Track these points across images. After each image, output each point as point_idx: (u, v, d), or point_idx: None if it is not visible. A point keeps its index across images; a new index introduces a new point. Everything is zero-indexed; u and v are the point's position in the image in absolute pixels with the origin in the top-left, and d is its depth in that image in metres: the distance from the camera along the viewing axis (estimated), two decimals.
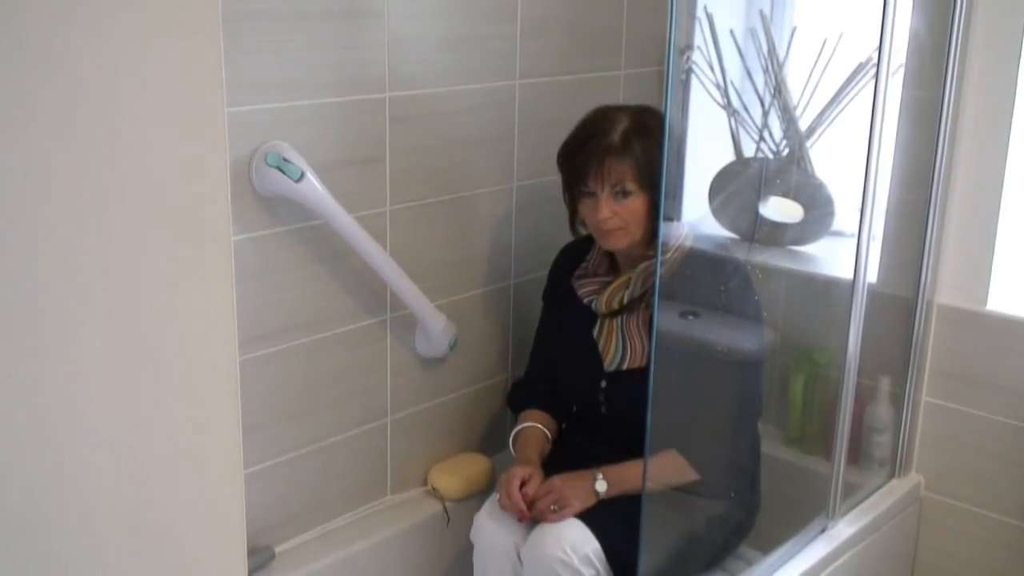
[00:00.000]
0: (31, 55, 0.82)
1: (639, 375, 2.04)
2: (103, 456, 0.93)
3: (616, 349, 2.12)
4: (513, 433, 2.21)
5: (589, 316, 2.16)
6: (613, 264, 2.17)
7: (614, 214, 2.03)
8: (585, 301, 2.15)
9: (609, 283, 2.13)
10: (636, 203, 2.02)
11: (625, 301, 2.11)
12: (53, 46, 0.83)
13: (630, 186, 2.02)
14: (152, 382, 0.95)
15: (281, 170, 1.85)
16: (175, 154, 0.93)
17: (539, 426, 2.19)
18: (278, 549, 2.07)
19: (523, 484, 2.03)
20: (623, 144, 2.02)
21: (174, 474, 0.99)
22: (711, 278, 2.16)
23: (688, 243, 2.13)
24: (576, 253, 2.23)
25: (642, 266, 2.09)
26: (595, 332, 2.15)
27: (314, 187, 1.89)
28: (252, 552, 1.99)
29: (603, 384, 2.14)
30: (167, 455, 0.98)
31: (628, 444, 1.96)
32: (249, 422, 1.93)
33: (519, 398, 2.29)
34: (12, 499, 0.88)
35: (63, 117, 0.84)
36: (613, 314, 2.13)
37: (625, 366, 2.11)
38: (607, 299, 2.12)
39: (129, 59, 0.88)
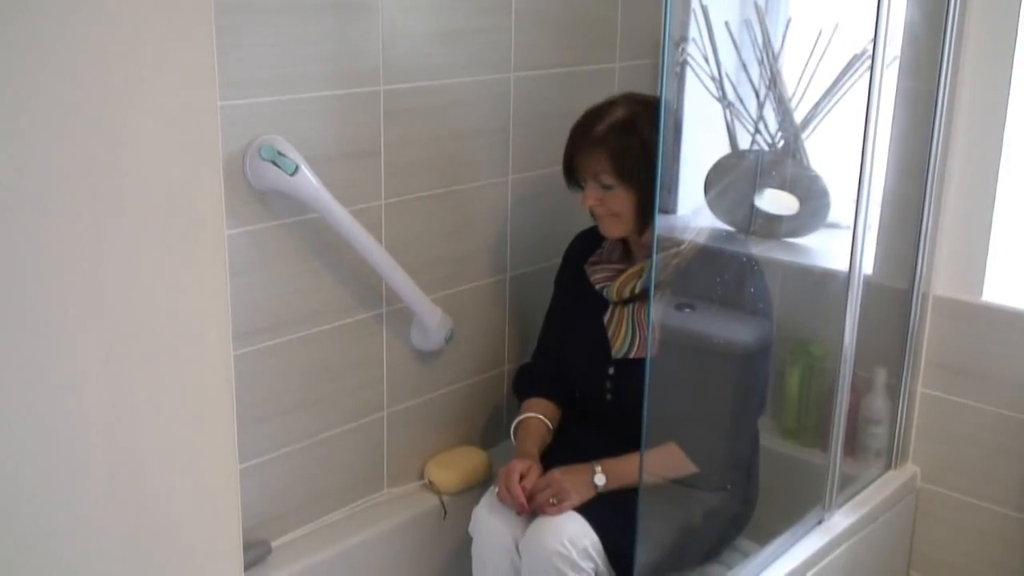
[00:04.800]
0: (22, 49, 0.81)
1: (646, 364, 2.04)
2: (98, 450, 0.92)
3: (625, 337, 2.12)
4: (515, 423, 2.21)
5: (600, 302, 2.16)
6: (627, 252, 2.18)
7: (600, 202, 2.05)
8: (597, 288, 2.16)
9: (623, 271, 2.14)
10: (619, 196, 2.04)
11: (637, 291, 2.11)
12: (44, 40, 0.82)
13: (607, 179, 2.03)
14: (146, 377, 0.95)
15: (276, 164, 1.84)
16: (168, 148, 0.92)
17: (541, 417, 2.19)
18: (275, 543, 2.07)
19: (522, 477, 2.03)
20: (602, 138, 2.04)
21: (169, 469, 0.98)
22: (724, 272, 2.16)
23: (702, 238, 2.13)
24: (591, 239, 2.23)
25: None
26: (605, 319, 2.15)
27: (309, 181, 1.89)
28: (248, 546, 1.98)
29: (610, 371, 2.14)
30: (162, 450, 0.97)
31: (631, 433, 1.96)
32: (244, 416, 1.93)
33: (524, 384, 2.29)
34: (6, 493, 0.87)
35: (55, 111, 0.84)
36: (624, 302, 2.13)
37: (633, 354, 2.11)
38: (619, 287, 2.12)
39: (122, 53, 0.87)
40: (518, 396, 2.30)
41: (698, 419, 2.14)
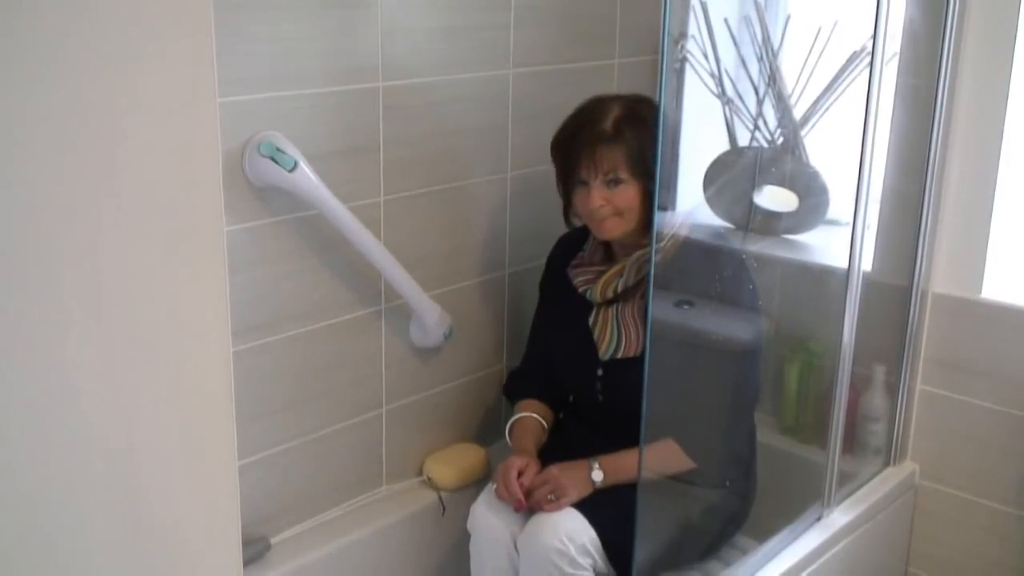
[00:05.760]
0: (22, 46, 0.81)
1: (634, 363, 2.04)
2: (97, 447, 0.92)
3: (611, 338, 2.11)
4: (509, 423, 2.22)
5: (585, 305, 2.16)
6: (608, 253, 2.17)
7: (607, 202, 2.04)
8: (580, 290, 2.15)
9: (604, 272, 2.13)
10: (629, 191, 2.02)
11: (619, 290, 2.11)
12: (44, 36, 0.82)
13: (622, 175, 2.02)
14: (146, 373, 0.94)
15: (274, 160, 1.84)
16: (168, 145, 0.92)
17: (535, 416, 2.19)
18: (273, 540, 2.07)
19: (520, 474, 2.03)
20: (615, 132, 2.02)
21: (168, 465, 0.98)
22: (707, 267, 2.16)
23: (684, 232, 2.12)
24: (572, 243, 2.23)
25: (636, 254, 2.09)
26: (590, 321, 2.14)
27: (308, 177, 1.89)
28: (247, 543, 1.99)
29: (599, 373, 2.14)
30: (161, 446, 0.97)
31: (625, 432, 1.96)
32: (243, 413, 1.92)
33: (516, 388, 2.29)
34: (4, 490, 0.87)
35: (55, 108, 0.84)
36: (608, 303, 2.13)
37: (620, 355, 2.11)
38: (602, 288, 2.12)
39: (121, 49, 0.87)
40: (510, 400, 2.31)
41: (691, 414, 2.13)
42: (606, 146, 2.02)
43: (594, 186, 2.04)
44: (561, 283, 2.21)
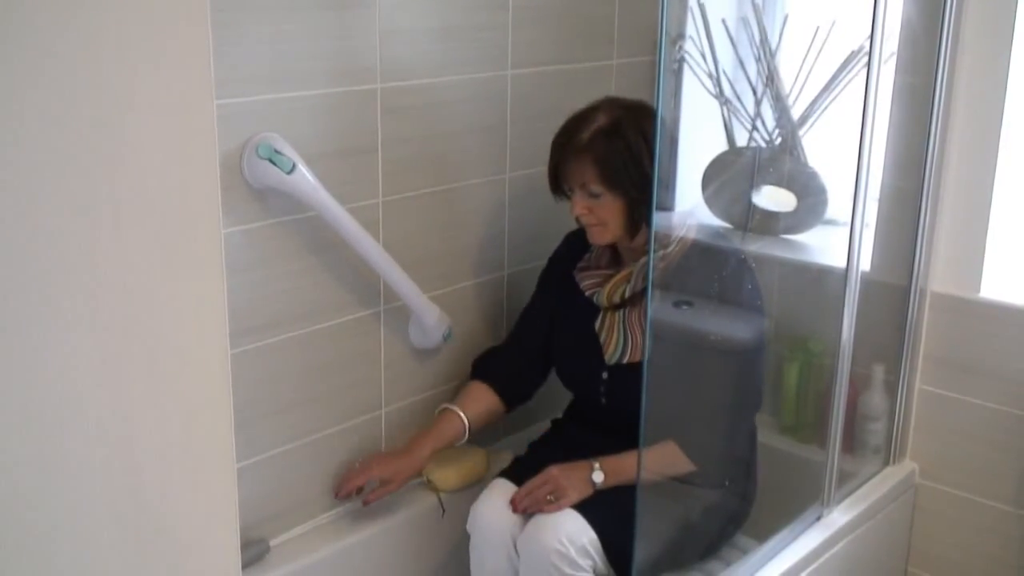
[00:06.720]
0: (19, 45, 0.81)
1: (640, 368, 2.04)
2: (95, 449, 0.92)
3: (617, 342, 2.11)
4: (442, 406, 2.21)
5: (591, 308, 2.15)
6: (616, 257, 2.17)
7: (589, 211, 2.04)
8: (587, 294, 2.15)
9: (611, 276, 2.13)
10: (607, 203, 2.02)
11: (627, 295, 2.10)
12: (40, 37, 0.82)
13: (595, 187, 2.02)
14: (144, 376, 0.94)
15: (272, 162, 1.84)
16: (165, 146, 0.92)
17: (462, 416, 2.17)
18: (273, 542, 2.07)
19: (363, 487, 2.08)
20: (588, 145, 2.01)
21: (167, 468, 0.98)
22: (711, 268, 2.16)
23: (691, 235, 2.12)
24: (580, 242, 2.21)
25: (643, 260, 2.08)
26: (597, 325, 2.14)
27: (306, 179, 1.89)
28: (246, 545, 1.98)
29: (604, 376, 2.13)
30: (160, 449, 0.97)
31: (629, 435, 1.96)
32: (242, 415, 1.93)
33: (483, 363, 2.29)
34: (3, 491, 0.87)
35: (51, 109, 0.84)
36: (615, 307, 2.13)
37: (626, 359, 2.10)
38: (609, 292, 2.11)
39: (118, 50, 0.87)
40: (471, 373, 2.29)
41: (694, 416, 2.13)
42: (579, 159, 2.02)
43: (576, 195, 2.05)
44: (566, 284, 2.20)
